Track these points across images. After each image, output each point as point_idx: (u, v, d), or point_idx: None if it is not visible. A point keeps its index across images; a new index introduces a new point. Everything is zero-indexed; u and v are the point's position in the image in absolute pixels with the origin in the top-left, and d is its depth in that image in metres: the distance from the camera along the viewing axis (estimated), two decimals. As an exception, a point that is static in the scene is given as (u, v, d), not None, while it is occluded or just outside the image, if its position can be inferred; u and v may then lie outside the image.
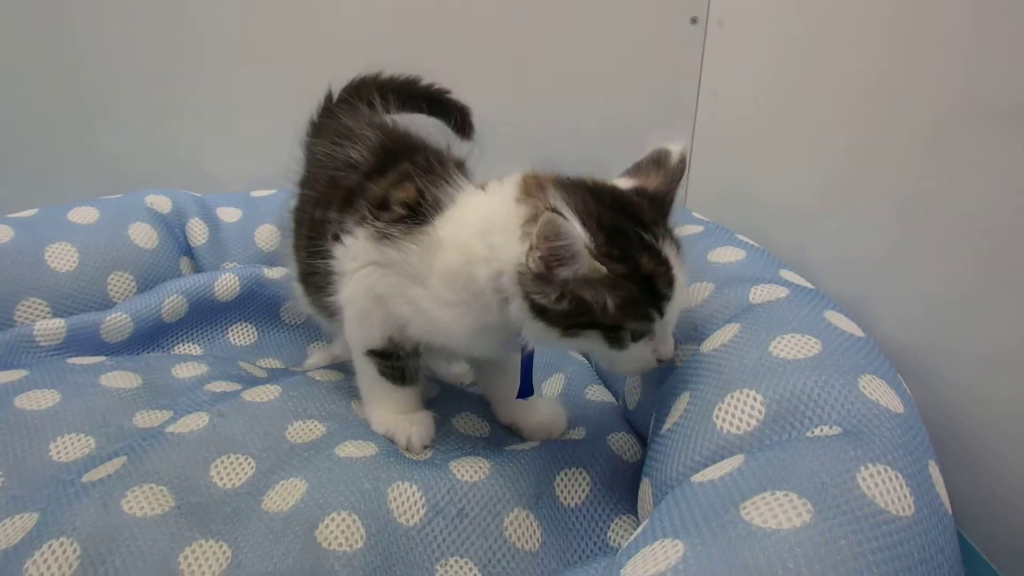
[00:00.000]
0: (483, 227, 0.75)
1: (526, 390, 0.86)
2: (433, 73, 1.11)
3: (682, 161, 0.78)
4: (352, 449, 0.83)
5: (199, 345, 1.22)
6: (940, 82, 0.83)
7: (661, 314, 0.70)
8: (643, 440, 0.90)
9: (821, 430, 0.59)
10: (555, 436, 0.93)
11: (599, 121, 1.35)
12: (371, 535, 0.71)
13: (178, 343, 1.21)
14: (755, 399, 0.64)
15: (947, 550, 0.51)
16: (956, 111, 0.81)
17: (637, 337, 0.72)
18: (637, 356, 0.73)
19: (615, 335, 0.71)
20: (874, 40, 0.93)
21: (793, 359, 0.65)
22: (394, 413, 0.90)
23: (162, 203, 1.31)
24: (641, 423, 0.89)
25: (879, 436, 0.55)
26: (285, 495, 0.76)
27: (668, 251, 0.70)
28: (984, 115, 0.77)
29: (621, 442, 0.87)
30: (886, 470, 0.52)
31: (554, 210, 0.64)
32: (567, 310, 0.69)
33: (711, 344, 0.75)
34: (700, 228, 0.96)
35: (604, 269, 0.66)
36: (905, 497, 0.51)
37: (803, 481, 0.51)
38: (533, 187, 0.75)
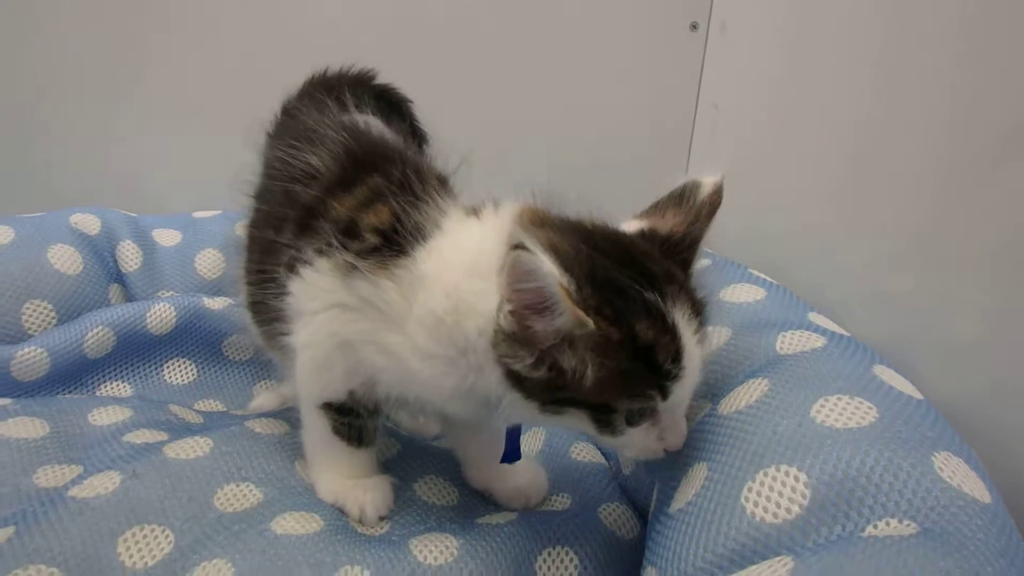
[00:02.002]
0: (473, 266, 0.61)
1: (511, 454, 0.72)
2: (419, 77, 1.00)
3: (716, 194, 0.63)
4: (292, 523, 0.69)
5: (129, 384, 1.07)
6: (956, 91, 0.73)
7: (664, 395, 0.56)
8: (641, 512, 0.77)
9: (888, 524, 0.46)
10: (534, 504, 0.79)
11: (590, 133, 1.25)
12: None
13: (104, 381, 1.05)
14: (796, 479, 0.51)
15: None
16: (975, 119, 0.71)
17: (635, 420, 0.58)
18: (637, 444, 0.60)
19: (604, 418, 0.58)
20: (889, 49, 0.83)
21: (843, 428, 0.52)
22: (346, 478, 0.76)
23: (89, 223, 1.16)
24: (638, 492, 0.77)
25: (970, 540, 0.43)
26: (205, 583, 0.61)
27: (678, 315, 0.56)
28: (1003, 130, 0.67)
29: (615, 515, 0.75)
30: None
31: (520, 246, 0.51)
32: (545, 379, 0.57)
33: (732, 404, 0.62)
34: (707, 261, 0.84)
35: (591, 322, 0.53)
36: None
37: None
38: (532, 223, 0.61)
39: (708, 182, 0.64)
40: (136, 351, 1.07)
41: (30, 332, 1.04)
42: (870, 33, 0.87)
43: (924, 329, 0.75)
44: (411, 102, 1.00)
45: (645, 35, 1.19)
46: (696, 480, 0.58)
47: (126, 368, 1.07)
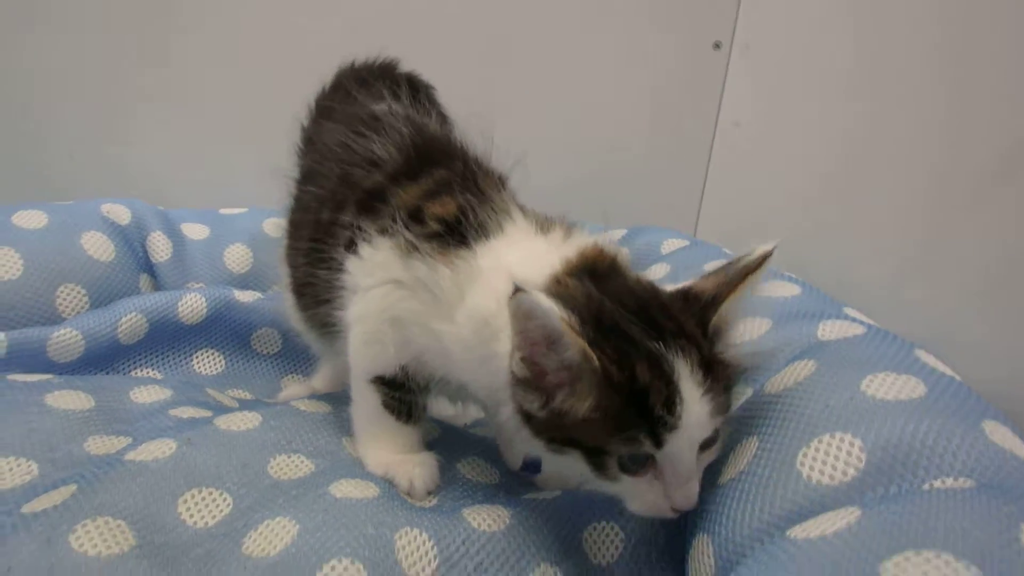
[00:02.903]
0: (520, 275, 0.61)
1: (531, 467, 0.75)
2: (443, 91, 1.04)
3: (759, 260, 0.61)
4: (349, 489, 0.70)
5: (159, 372, 1.08)
6: (985, 111, 0.79)
7: (656, 442, 0.56)
8: None
9: (944, 482, 0.49)
10: (572, 486, 0.82)
11: (612, 146, 1.29)
12: (378, 590, 0.58)
13: (135, 368, 1.06)
14: (852, 444, 0.54)
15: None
16: (1000, 143, 0.76)
17: (630, 468, 0.58)
18: (643, 497, 0.60)
19: (598, 460, 0.58)
20: (921, 70, 0.89)
21: (895, 400, 0.56)
22: (394, 453, 0.77)
23: (120, 213, 1.18)
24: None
25: (1026, 490, 0.47)
26: (271, 537, 0.63)
27: (681, 366, 0.56)
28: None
29: None
30: (1050, 530, 0.43)
31: (519, 290, 0.53)
32: (548, 419, 0.58)
33: (779, 383, 0.65)
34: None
35: (595, 356, 0.54)
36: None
37: (954, 540, 0.42)
38: (581, 266, 0.64)
39: (759, 250, 0.62)
40: (167, 339, 1.08)
41: (63, 315, 1.05)
42: (885, 52, 0.93)
43: (937, 331, 0.80)
44: (435, 88, 1.04)
45: (670, 53, 1.24)
46: (747, 453, 0.62)
47: (156, 356, 1.08)
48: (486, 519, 0.68)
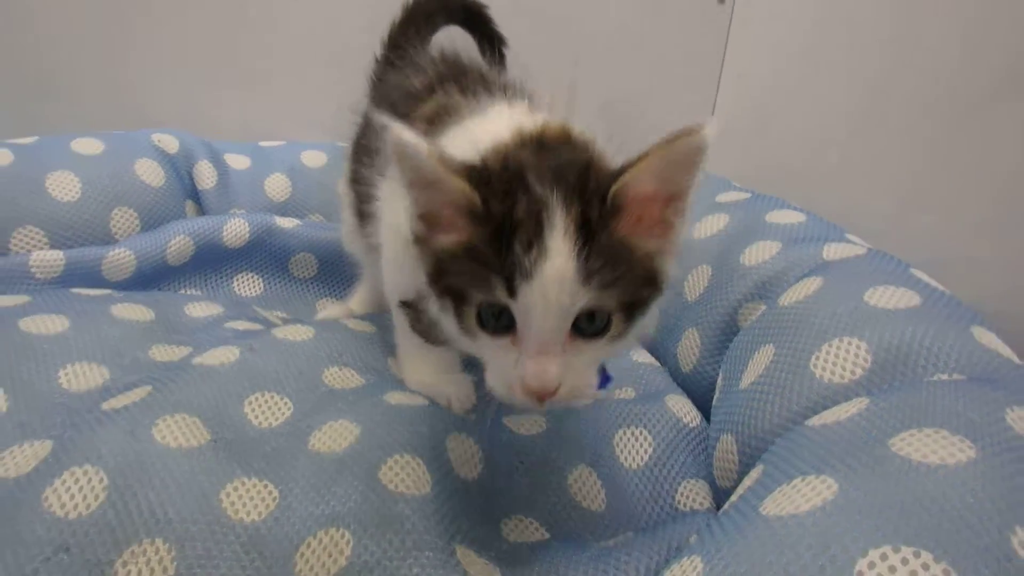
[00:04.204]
0: (464, 148, 0.57)
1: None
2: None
3: (677, 136, 0.50)
4: (400, 398, 0.74)
5: (201, 292, 1.10)
6: (965, 54, 0.81)
7: (510, 289, 0.49)
8: (698, 405, 0.82)
9: (940, 377, 0.54)
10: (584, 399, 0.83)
11: (611, 97, 1.29)
12: (436, 482, 0.63)
13: (181, 287, 1.09)
14: (858, 347, 0.58)
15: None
16: (985, 80, 0.79)
17: (489, 324, 0.52)
18: (497, 361, 0.54)
19: (460, 309, 0.53)
20: (919, 15, 0.91)
21: (894, 308, 0.60)
22: (430, 373, 0.79)
23: (169, 142, 1.19)
24: (696, 388, 0.82)
25: (1012, 382, 0.51)
26: (335, 436, 0.67)
27: (558, 217, 0.49)
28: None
29: (678, 405, 0.79)
30: (1032, 413, 0.48)
31: (385, 125, 0.49)
32: (433, 270, 0.55)
33: (791, 297, 0.69)
34: (747, 195, 0.91)
35: (471, 190, 0.50)
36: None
37: (950, 419, 0.46)
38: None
39: (690, 129, 0.51)
40: (211, 262, 1.10)
41: (116, 236, 1.07)
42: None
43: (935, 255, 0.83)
44: (487, 7, 1.05)
45: (676, 8, 1.25)
46: (763, 359, 0.66)
47: (200, 277, 1.10)
48: (524, 424, 0.72)
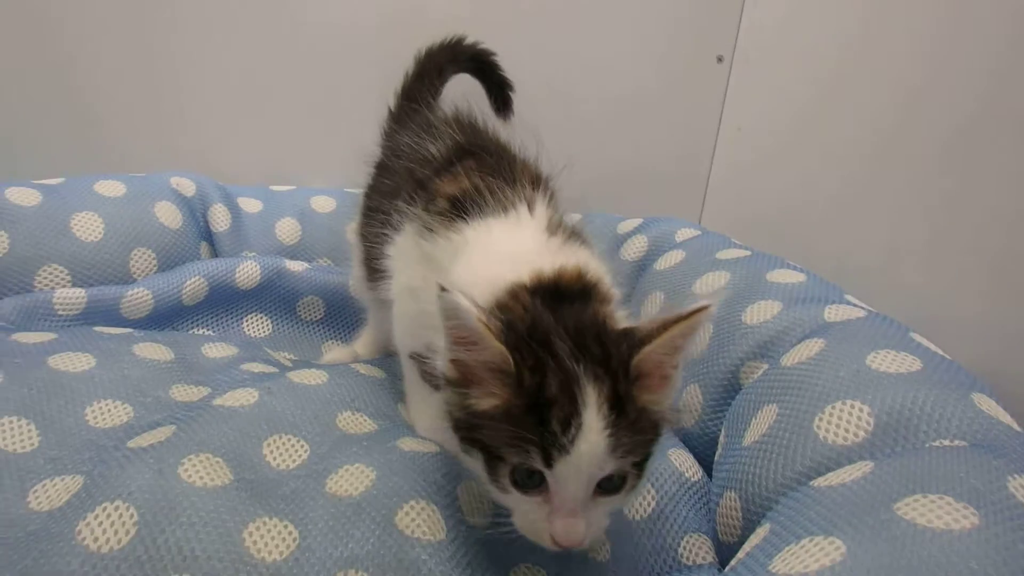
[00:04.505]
0: (485, 274, 0.62)
1: None
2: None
3: (695, 310, 0.54)
4: (414, 445, 0.75)
5: (212, 332, 1.12)
6: (964, 110, 0.85)
7: (547, 461, 0.53)
8: (700, 460, 0.83)
9: (942, 443, 0.56)
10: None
11: (620, 148, 1.34)
12: (450, 528, 0.64)
13: (193, 327, 1.10)
14: (861, 410, 0.60)
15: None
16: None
17: (522, 483, 0.55)
18: (527, 516, 0.57)
19: (494, 466, 0.56)
20: (908, 80, 0.96)
21: (896, 373, 0.62)
22: (440, 419, 0.77)
23: (186, 185, 1.22)
24: (698, 443, 0.83)
25: (1012, 450, 0.53)
26: (352, 480, 0.68)
27: (589, 393, 0.52)
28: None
29: (680, 459, 0.80)
30: (1032, 482, 0.49)
31: (443, 289, 0.53)
32: (461, 416, 0.57)
33: (794, 358, 0.71)
34: (747, 252, 0.94)
35: (510, 358, 0.53)
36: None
37: (954, 486, 0.48)
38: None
39: (697, 304, 0.55)
40: (222, 302, 1.12)
41: (135, 276, 1.09)
42: (873, 60, 1.01)
43: (927, 312, 0.86)
44: (495, 54, 1.11)
45: (679, 65, 1.30)
46: (767, 419, 0.67)
47: (212, 317, 1.12)
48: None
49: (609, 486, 0.56)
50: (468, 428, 0.57)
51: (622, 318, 0.62)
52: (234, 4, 1.32)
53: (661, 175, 1.34)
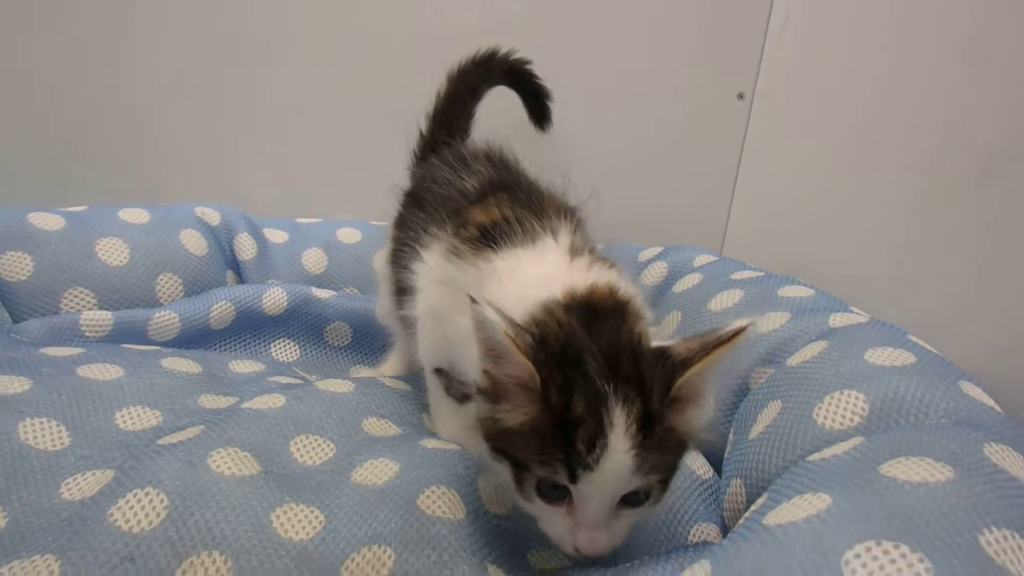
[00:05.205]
0: (517, 293, 0.68)
1: None
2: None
3: (735, 332, 0.59)
4: (436, 444, 0.83)
5: (242, 355, 1.21)
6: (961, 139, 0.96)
7: (572, 477, 0.57)
8: (711, 462, 0.90)
9: (928, 422, 0.63)
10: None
11: (639, 186, 1.44)
12: (469, 512, 0.71)
13: (221, 351, 1.20)
14: (857, 398, 0.68)
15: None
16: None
17: (548, 494, 0.60)
18: (552, 525, 0.62)
19: (521, 476, 0.61)
20: (923, 112, 1.06)
21: (891, 366, 0.70)
22: (464, 427, 0.86)
23: (211, 215, 1.33)
24: (711, 447, 0.89)
25: (994, 426, 0.60)
26: (377, 472, 0.76)
27: (618, 414, 0.56)
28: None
29: (692, 459, 0.87)
30: (1008, 449, 0.57)
31: (473, 300, 0.58)
32: (490, 426, 0.62)
33: (799, 358, 0.79)
34: (761, 273, 1.03)
35: (536, 374, 0.57)
36: (1031, 473, 0.56)
37: (935, 451, 0.55)
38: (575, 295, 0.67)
39: (735, 324, 0.59)
40: (250, 327, 1.22)
41: (161, 301, 1.18)
42: (886, 99, 1.11)
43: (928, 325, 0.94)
44: (530, 62, 1.18)
45: (701, 102, 1.42)
46: (772, 412, 0.75)
47: (240, 342, 1.21)
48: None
49: (634, 500, 0.61)
50: (496, 438, 0.63)
51: (654, 337, 0.66)
52: (259, 37, 1.45)
53: (682, 209, 1.44)
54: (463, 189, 0.92)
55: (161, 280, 1.19)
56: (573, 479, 0.57)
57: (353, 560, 0.64)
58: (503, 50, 1.17)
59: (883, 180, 1.13)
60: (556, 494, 0.60)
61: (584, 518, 0.60)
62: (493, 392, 0.62)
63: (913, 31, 1.12)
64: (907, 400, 0.66)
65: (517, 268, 0.74)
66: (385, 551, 0.64)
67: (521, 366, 0.58)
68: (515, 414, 0.60)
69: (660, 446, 0.58)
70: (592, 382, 0.57)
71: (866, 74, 1.18)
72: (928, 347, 0.76)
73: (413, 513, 0.68)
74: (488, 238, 0.78)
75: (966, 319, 0.95)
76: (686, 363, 0.59)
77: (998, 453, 0.56)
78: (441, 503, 0.70)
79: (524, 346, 0.57)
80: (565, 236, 0.79)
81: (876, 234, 1.14)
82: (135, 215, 1.23)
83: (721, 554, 0.53)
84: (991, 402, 0.66)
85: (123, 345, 1.02)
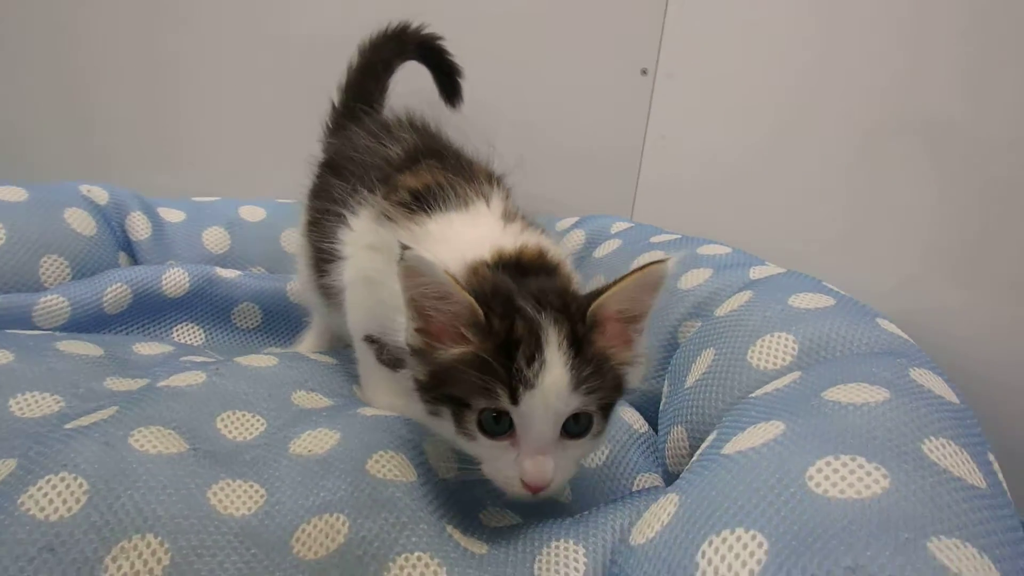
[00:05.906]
0: (449, 254, 0.69)
1: None
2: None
3: (646, 264, 0.62)
4: (376, 412, 0.81)
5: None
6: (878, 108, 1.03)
7: (513, 398, 0.59)
8: (646, 417, 0.92)
9: (856, 353, 0.68)
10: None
11: (546, 160, 1.46)
12: (421, 474, 0.70)
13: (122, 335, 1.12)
14: (787, 339, 0.72)
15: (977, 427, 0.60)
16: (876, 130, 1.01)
17: (491, 428, 0.62)
18: (496, 461, 0.63)
19: (461, 414, 0.62)
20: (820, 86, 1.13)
21: (814, 308, 0.75)
22: (400, 395, 0.85)
23: (99, 193, 1.24)
24: (642, 400, 0.92)
25: (911, 353, 0.65)
26: (317, 442, 0.73)
27: (551, 333, 0.60)
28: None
29: (628, 414, 0.90)
30: (929, 372, 0.62)
31: (406, 248, 0.59)
32: (427, 378, 0.64)
33: (725, 309, 0.83)
34: (677, 236, 1.07)
35: (478, 306, 0.60)
36: (949, 390, 0.61)
37: (868, 376, 0.60)
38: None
39: (644, 261, 0.66)
40: (149, 311, 1.14)
41: (46, 284, 1.09)
42: (784, 73, 1.18)
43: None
44: (442, 38, 1.18)
45: (606, 78, 1.45)
46: (705, 361, 0.78)
47: (138, 327, 1.13)
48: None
49: (575, 429, 0.62)
50: (434, 385, 0.64)
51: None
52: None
53: (590, 182, 1.47)
54: (387, 156, 0.91)
55: (45, 262, 1.10)
56: (515, 400, 0.59)
57: (304, 531, 0.62)
58: (414, 24, 1.17)
59: (783, 155, 1.20)
60: (499, 428, 0.61)
61: (528, 442, 0.61)
62: (428, 345, 0.63)
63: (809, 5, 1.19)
64: (832, 337, 0.70)
65: (450, 230, 0.76)
66: (338, 519, 0.62)
67: (463, 302, 0.60)
68: (456, 348, 0.62)
69: (593, 365, 0.61)
70: (525, 312, 0.61)
71: (765, 49, 1.25)
72: (843, 292, 0.81)
73: (363, 479, 0.66)
74: (421, 202, 0.79)
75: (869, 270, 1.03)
76: (598, 291, 0.63)
77: (922, 376, 0.61)
78: (391, 466, 0.69)
79: (464, 282, 0.61)
80: (498, 202, 0.82)
81: (776, 204, 1.20)
82: (10, 193, 1.13)
83: (686, 486, 0.55)
84: (906, 336, 0.71)
85: (9, 331, 0.94)
